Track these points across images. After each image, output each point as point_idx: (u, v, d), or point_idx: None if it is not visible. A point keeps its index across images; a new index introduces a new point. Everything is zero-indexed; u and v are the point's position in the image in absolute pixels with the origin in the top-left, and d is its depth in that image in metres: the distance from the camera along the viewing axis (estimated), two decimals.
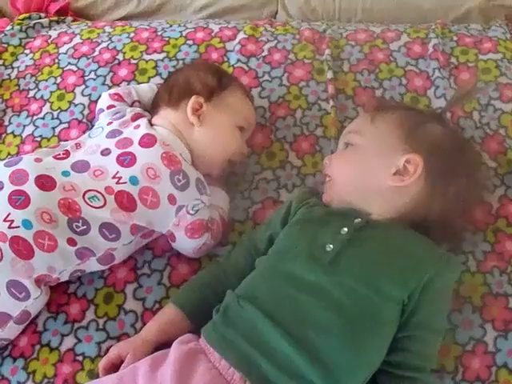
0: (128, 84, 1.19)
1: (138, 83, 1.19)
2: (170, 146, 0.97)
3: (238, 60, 1.23)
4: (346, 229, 0.85)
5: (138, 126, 1.01)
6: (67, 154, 0.99)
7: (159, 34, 1.30)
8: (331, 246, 0.84)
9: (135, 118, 1.04)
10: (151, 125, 1.02)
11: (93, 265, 0.96)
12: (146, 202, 0.92)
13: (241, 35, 1.28)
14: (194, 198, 0.95)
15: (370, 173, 0.90)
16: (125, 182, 0.93)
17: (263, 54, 1.23)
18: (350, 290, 0.81)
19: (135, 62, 1.23)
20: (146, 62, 1.24)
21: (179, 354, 0.80)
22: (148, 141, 0.96)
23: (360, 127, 0.97)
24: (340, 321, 0.79)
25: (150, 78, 1.21)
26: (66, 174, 0.94)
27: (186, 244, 0.98)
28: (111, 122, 1.03)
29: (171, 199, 0.94)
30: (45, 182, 0.92)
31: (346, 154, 0.97)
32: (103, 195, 0.92)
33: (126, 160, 0.94)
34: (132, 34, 1.30)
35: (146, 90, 1.14)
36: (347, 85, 1.19)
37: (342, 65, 1.22)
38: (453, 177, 0.89)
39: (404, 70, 1.21)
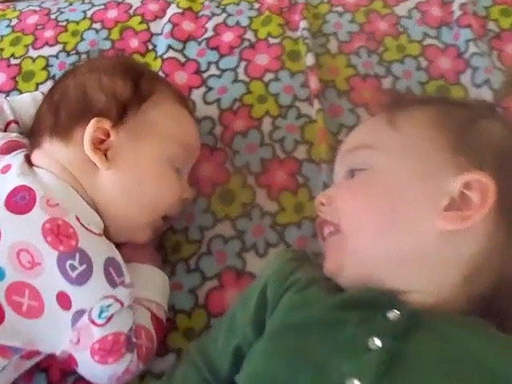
0: (7, 96, 0.94)
1: (22, 93, 0.93)
2: (59, 207, 0.71)
3: (170, 47, 0.97)
4: (377, 340, 0.57)
5: (7, 168, 0.75)
6: None
7: (53, 17, 1.03)
8: (356, 382, 0.56)
9: (6, 150, 0.79)
10: (31, 164, 0.76)
11: None
12: (20, 308, 0.68)
13: (172, 9, 1.02)
14: (102, 296, 0.69)
15: (404, 213, 0.65)
16: None
17: (207, 36, 0.98)
18: None
19: (17, 62, 0.98)
20: (33, 60, 0.97)
21: None
22: (21, 201, 0.71)
23: (372, 137, 0.72)
24: None
25: (38, 84, 0.95)
26: None
27: (96, 372, 0.73)
28: None
29: (63, 301, 0.69)
30: None
31: (357, 186, 0.70)
32: None
33: None
34: (14, 21, 1.03)
35: (28, 102, 0.87)
36: (338, 73, 0.93)
37: (326, 43, 0.97)
38: None
39: (421, 45, 0.95)
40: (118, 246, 0.75)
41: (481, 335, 0.59)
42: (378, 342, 0.57)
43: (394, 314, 0.59)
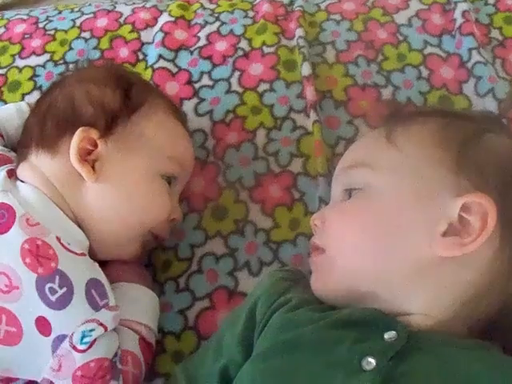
0: None
1: (7, 104, 0.90)
2: (39, 226, 0.67)
3: (161, 56, 0.94)
4: (372, 360, 0.54)
5: None
6: None
7: (41, 25, 1.00)
8: None
9: None
10: (15, 179, 0.73)
11: None
12: None
13: (164, 18, 0.99)
14: (84, 320, 0.66)
15: (400, 238, 0.61)
16: None
17: (199, 45, 0.95)
18: None
19: (3, 72, 0.95)
20: (20, 70, 0.95)
21: None
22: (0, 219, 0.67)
23: (370, 155, 0.68)
24: None
25: (24, 95, 0.93)
26: None
27: None
28: None
29: (42, 326, 0.65)
30: None
31: (352, 208, 0.66)
32: None
33: None
34: (1, 30, 1.01)
35: (12, 114, 0.84)
36: (335, 84, 0.90)
37: (323, 52, 0.94)
38: None
39: (422, 54, 0.92)
40: (106, 264, 0.72)
41: (480, 357, 0.56)
42: (372, 363, 0.54)
43: (390, 335, 0.56)
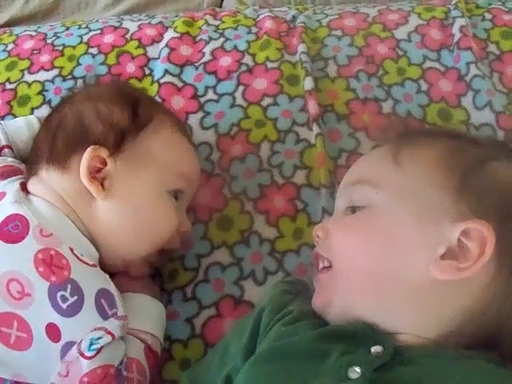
0: (1, 120, 0.88)
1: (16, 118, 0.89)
2: (53, 237, 0.68)
3: (167, 71, 0.94)
4: (358, 369, 0.54)
5: (1, 196, 0.72)
6: None
7: (49, 41, 1.01)
8: None
9: (2, 175, 0.76)
10: (26, 192, 0.73)
11: None
12: (8, 340, 0.65)
13: (170, 34, 0.99)
14: (93, 328, 0.66)
15: (398, 259, 0.61)
16: None
17: (204, 60, 0.95)
18: None
19: (12, 86, 0.95)
20: (29, 85, 0.95)
21: None
22: (14, 230, 0.67)
23: (374, 173, 0.68)
24: None
25: (33, 109, 0.93)
26: None
27: None
28: None
29: (52, 332, 0.65)
30: None
31: (353, 225, 0.66)
32: None
33: None
34: (10, 46, 1.01)
35: (21, 127, 0.84)
36: (337, 97, 0.90)
37: (325, 67, 0.94)
38: None
39: (421, 68, 0.92)
40: (114, 275, 0.72)
41: (467, 368, 0.56)
42: (357, 371, 0.54)
43: (377, 349, 0.56)
